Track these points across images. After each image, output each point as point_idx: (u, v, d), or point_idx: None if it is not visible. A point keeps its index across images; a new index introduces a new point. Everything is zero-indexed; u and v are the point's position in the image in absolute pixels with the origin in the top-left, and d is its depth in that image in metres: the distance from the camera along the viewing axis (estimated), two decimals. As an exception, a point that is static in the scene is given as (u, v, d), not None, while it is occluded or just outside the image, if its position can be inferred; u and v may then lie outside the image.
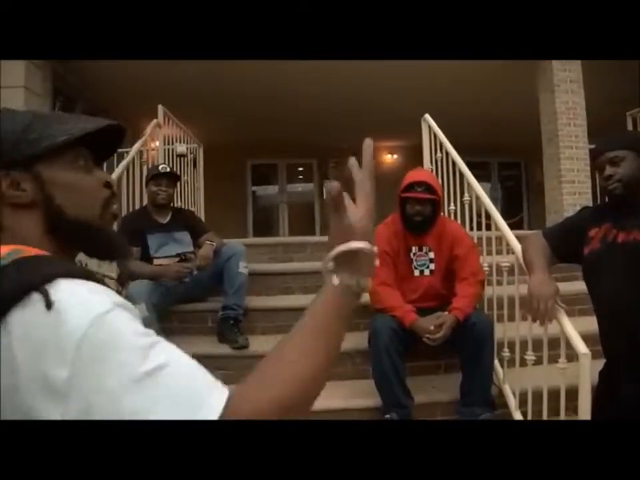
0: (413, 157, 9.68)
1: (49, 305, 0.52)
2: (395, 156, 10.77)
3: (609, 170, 1.76)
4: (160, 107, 4.42)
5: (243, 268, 3.10)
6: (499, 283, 2.68)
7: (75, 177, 0.71)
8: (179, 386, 0.52)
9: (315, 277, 3.54)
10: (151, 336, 0.56)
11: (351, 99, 7.21)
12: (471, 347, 2.43)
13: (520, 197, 11.08)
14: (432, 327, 2.45)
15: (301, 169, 11.07)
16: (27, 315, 0.53)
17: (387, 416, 2.38)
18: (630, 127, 5.41)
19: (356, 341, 2.95)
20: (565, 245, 1.93)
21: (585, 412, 1.77)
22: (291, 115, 7.86)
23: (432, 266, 2.74)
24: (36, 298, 0.53)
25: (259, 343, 2.97)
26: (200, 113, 6.76)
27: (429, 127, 4.05)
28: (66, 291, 0.55)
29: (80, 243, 0.73)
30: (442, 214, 3.01)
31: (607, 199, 1.87)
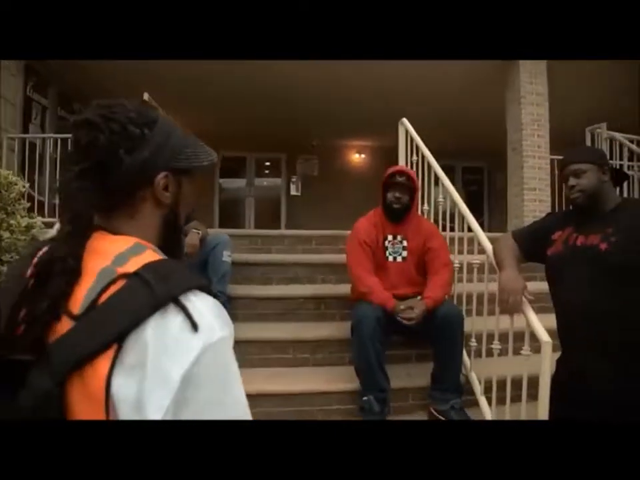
0: (380, 157, 9.96)
1: (194, 326, 0.62)
2: (363, 155, 11.01)
3: (572, 181, 1.96)
4: (146, 95, 4.46)
5: (227, 257, 3.23)
6: (469, 280, 2.90)
7: (193, 192, 0.84)
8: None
9: (294, 268, 3.71)
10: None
11: (323, 98, 7.37)
12: (443, 337, 2.64)
13: (481, 201, 11.47)
14: (402, 307, 2.66)
15: (268, 163, 11.14)
16: (164, 323, 0.62)
17: (365, 398, 2.56)
18: (588, 142, 5.74)
19: (333, 330, 3.14)
20: (532, 245, 2.14)
21: (544, 396, 1.98)
22: (263, 110, 7.96)
23: (404, 253, 2.95)
24: (173, 309, 0.62)
25: (241, 330, 3.09)
26: (176, 102, 6.78)
27: (406, 130, 4.24)
28: (197, 309, 0.64)
29: (172, 241, 0.84)
30: (417, 209, 3.23)
31: (570, 206, 2.09)
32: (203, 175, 9.65)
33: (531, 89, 5.73)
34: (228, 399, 0.64)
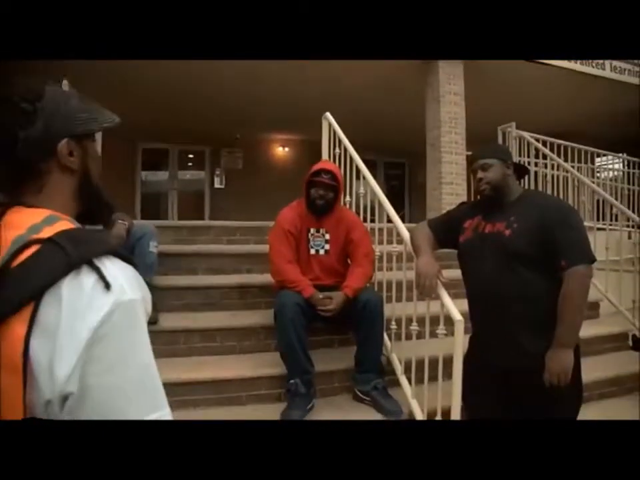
0: (304, 150, 10.10)
1: (107, 285, 0.64)
2: (287, 149, 11.14)
3: (480, 174, 2.15)
4: (65, 82, 4.28)
5: (154, 247, 3.19)
6: (389, 268, 3.05)
7: (97, 152, 0.86)
8: (153, 385, 0.69)
9: (219, 259, 3.74)
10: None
11: (246, 91, 7.38)
12: (364, 322, 2.76)
13: (403, 195, 11.89)
14: (321, 296, 2.76)
15: (191, 156, 11.00)
16: (78, 282, 0.64)
17: (292, 381, 2.63)
18: (500, 139, 6.12)
19: (259, 318, 3.20)
20: (445, 233, 2.32)
21: (457, 374, 2.15)
22: (187, 102, 7.86)
23: (327, 246, 3.04)
24: (86, 270, 0.65)
25: (167, 319, 3.11)
26: (98, 93, 6.54)
27: (329, 124, 4.33)
28: (110, 271, 0.66)
29: (94, 204, 0.86)
30: (340, 204, 3.33)
31: (478, 197, 2.27)
32: (122, 167, 9.38)
33: (449, 89, 6.03)
34: (133, 361, 0.66)
